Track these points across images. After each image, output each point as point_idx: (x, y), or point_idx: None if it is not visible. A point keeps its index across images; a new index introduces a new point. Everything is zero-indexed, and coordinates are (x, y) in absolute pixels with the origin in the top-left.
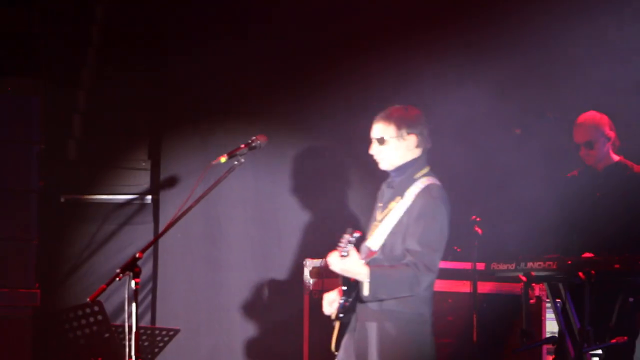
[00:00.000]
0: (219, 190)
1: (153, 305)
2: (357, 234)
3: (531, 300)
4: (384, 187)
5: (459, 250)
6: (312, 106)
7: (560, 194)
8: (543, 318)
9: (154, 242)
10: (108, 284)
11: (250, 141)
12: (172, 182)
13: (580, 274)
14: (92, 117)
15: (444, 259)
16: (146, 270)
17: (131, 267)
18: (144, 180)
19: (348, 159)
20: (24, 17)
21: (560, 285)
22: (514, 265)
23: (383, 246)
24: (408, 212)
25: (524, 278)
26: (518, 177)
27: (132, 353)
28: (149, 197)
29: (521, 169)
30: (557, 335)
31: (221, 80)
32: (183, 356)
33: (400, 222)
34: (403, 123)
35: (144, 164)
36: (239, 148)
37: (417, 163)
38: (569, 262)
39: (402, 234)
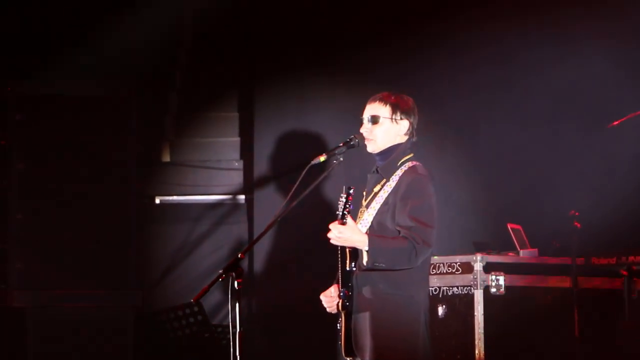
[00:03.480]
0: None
1: (249, 305)
2: (351, 190)
3: (633, 294)
4: (368, 176)
5: (558, 245)
6: None
7: None
8: None
9: (255, 242)
10: (210, 285)
11: (348, 139)
12: (265, 181)
13: None
14: (184, 119)
15: (544, 254)
16: None
17: (234, 267)
18: (236, 180)
19: None
20: None
21: None
22: (614, 259)
23: (370, 228)
24: (394, 192)
25: (625, 272)
26: (616, 165)
27: (237, 353)
28: (242, 196)
29: (620, 157)
30: None
31: (313, 76)
32: (279, 353)
33: (386, 203)
34: (398, 107)
35: (236, 164)
36: (338, 147)
37: (402, 148)
38: None
39: (390, 214)
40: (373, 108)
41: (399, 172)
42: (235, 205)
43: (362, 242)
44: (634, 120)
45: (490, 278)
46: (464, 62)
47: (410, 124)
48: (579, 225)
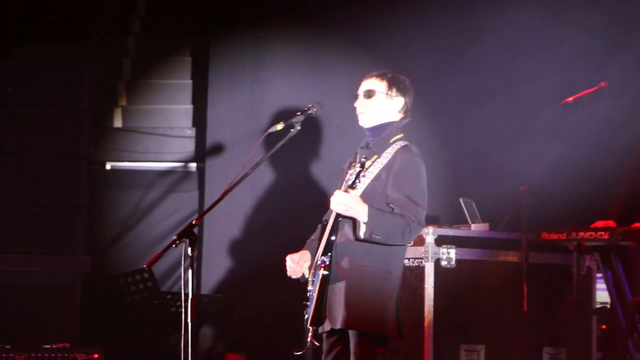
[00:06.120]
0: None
1: (198, 273)
2: (366, 164)
3: (581, 271)
4: (357, 151)
5: (508, 220)
6: None
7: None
8: (593, 288)
9: (210, 210)
10: (164, 251)
11: (306, 108)
12: (218, 149)
13: (632, 244)
14: (136, 85)
15: (494, 228)
16: None
17: (188, 234)
18: (188, 148)
19: None
20: None
21: (612, 255)
22: (564, 235)
23: None
24: (387, 167)
25: (574, 248)
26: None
27: (189, 319)
28: (194, 164)
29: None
30: (607, 305)
31: (269, 45)
32: (226, 323)
33: (378, 177)
34: (395, 84)
35: (188, 131)
36: (296, 115)
37: (394, 126)
38: (621, 231)
39: (381, 189)
40: (369, 83)
41: (391, 150)
42: (186, 173)
43: (363, 213)
44: (589, 98)
45: (441, 251)
46: (433, 35)
47: (405, 102)
48: (528, 200)
